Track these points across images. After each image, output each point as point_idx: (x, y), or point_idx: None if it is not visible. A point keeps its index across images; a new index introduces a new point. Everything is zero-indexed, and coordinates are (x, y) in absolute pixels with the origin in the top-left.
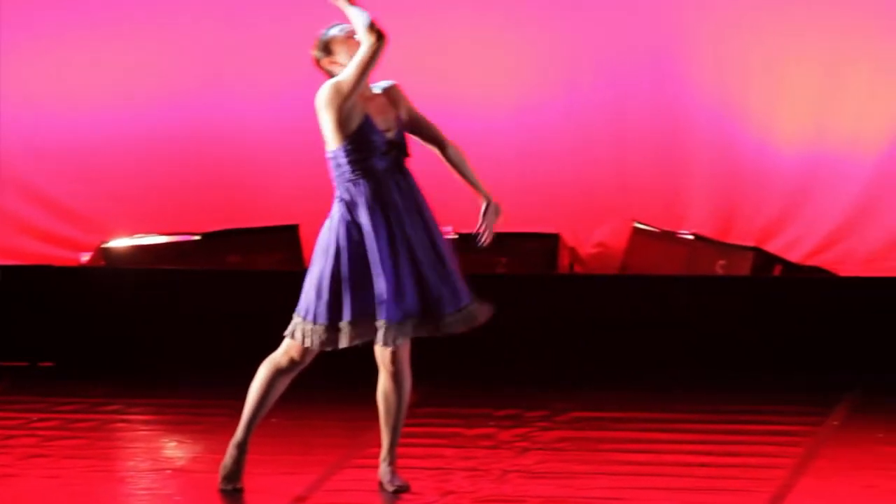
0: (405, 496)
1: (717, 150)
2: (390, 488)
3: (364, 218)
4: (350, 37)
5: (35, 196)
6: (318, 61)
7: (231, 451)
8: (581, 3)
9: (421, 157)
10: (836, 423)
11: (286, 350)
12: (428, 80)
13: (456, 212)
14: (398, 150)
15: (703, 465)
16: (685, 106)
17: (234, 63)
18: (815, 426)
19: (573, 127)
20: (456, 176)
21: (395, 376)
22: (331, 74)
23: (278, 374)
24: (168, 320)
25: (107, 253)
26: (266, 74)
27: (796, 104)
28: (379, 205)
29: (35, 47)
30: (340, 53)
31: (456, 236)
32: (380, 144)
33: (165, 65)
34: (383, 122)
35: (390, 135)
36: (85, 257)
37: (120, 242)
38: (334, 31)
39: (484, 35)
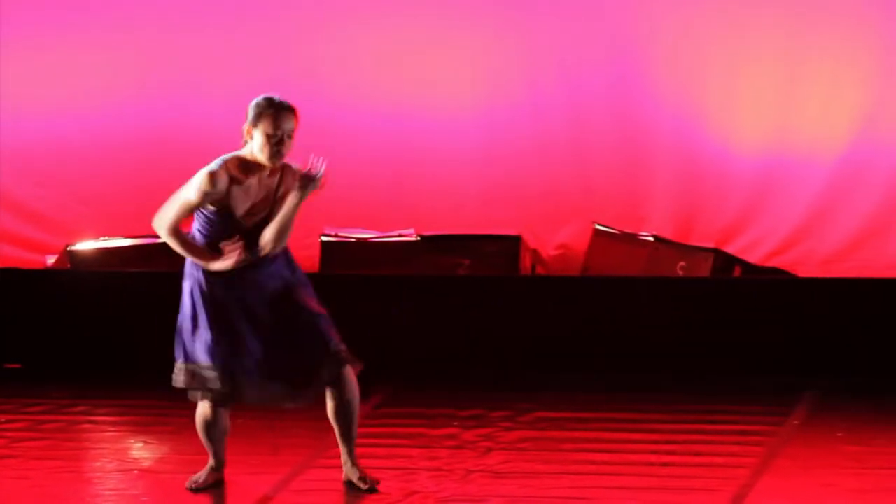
0: (369, 496)
1: (677, 153)
2: (363, 486)
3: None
4: (271, 130)
5: (0, 198)
6: (247, 120)
7: (208, 469)
8: (542, 6)
9: (381, 157)
10: (796, 422)
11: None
12: (389, 83)
13: (417, 214)
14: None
15: (665, 464)
16: (646, 108)
17: (201, 67)
18: (776, 426)
19: (534, 130)
20: None
21: (341, 398)
22: (244, 134)
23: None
24: (134, 322)
25: (72, 255)
26: (234, 78)
27: (755, 107)
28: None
29: (0, 51)
30: (259, 131)
31: (418, 238)
32: (232, 230)
33: (133, 68)
34: (252, 206)
35: (255, 219)
36: (50, 260)
37: (85, 245)
38: (272, 111)
39: (446, 38)
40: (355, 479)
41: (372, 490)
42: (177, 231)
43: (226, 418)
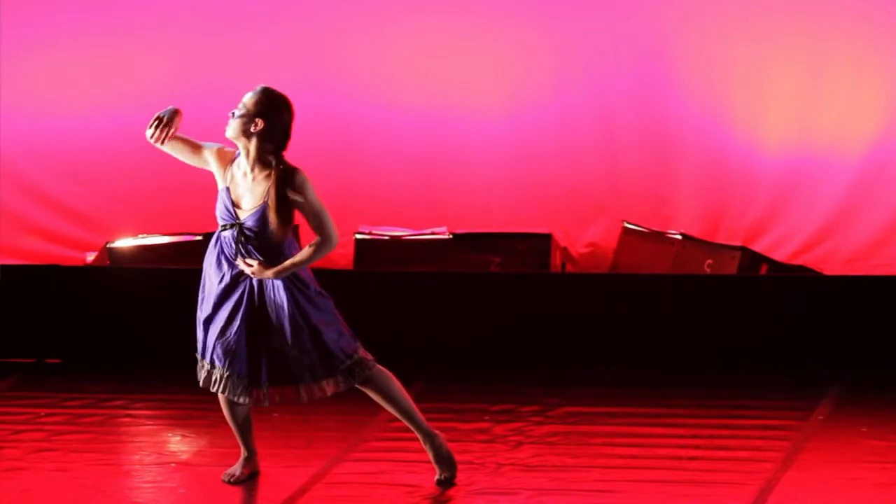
0: (401, 488)
1: (704, 153)
2: (439, 474)
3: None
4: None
5: (41, 197)
6: (256, 110)
7: (242, 461)
8: (571, 8)
9: (414, 156)
10: (821, 417)
11: None
12: (422, 85)
13: (449, 212)
14: (242, 235)
15: (692, 458)
16: (673, 109)
17: (237, 68)
18: (801, 420)
19: (564, 130)
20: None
21: (377, 395)
22: (245, 129)
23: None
24: (171, 318)
25: (111, 253)
26: (263, 77)
27: (781, 107)
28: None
29: (39, 48)
30: (266, 135)
31: (450, 236)
32: (225, 217)
33: (169, 67)
34: (250, 202)
35: (242, 215)
36: (90, 257)
37: (124, 242)
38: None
39: (476, 40)
40: (437, 474)
41: (447, 481)
42: None
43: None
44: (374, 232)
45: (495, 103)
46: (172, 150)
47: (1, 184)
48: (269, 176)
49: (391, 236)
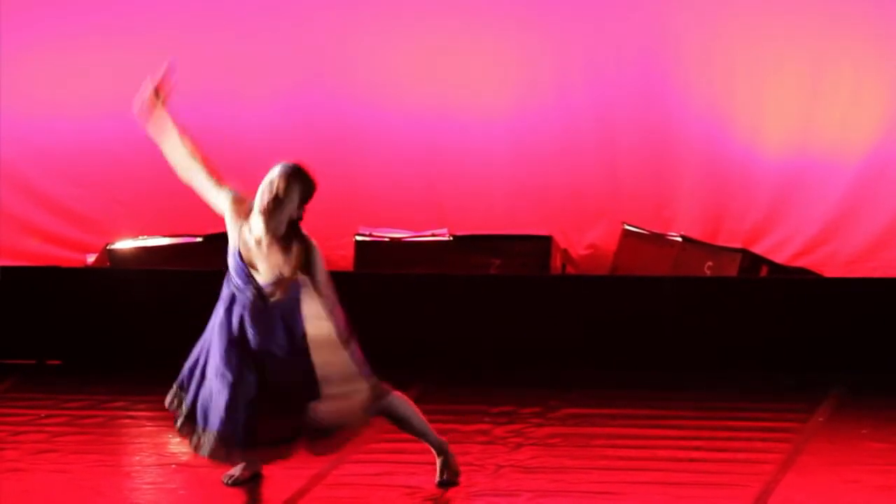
0: (401, 490)
1: (705, 154)
2: (440, 476)
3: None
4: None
5: (42, 199)
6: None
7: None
8: (571, 10)
9: (414, 158)
10: (821, 419)
11: None
12: (421, 87)
13: (450, 214)
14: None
15: (692, 460)
16: (673, 111)
17: (238, 71)
18: (801, 423)
19: (564, 132)
20: None
21: (393, 420)
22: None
23: None
24: (171, 319)
25: (112, 254)
26: (265, 78)
27: (782, 109)
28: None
29: (39, 51)
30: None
31: (450, 238)
32: (242, 279)
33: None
34: (263, 268)
35: (258, 277)
36: (91, 258)
37: (124, 244)
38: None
39: (476, 42)
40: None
41: (447, 483)
42: None
43: None
44: (374, 234)
45: (495, 105)
46: (189, 175)
47: (1, 185)
48: (284, 249)
49: (391, 238)
